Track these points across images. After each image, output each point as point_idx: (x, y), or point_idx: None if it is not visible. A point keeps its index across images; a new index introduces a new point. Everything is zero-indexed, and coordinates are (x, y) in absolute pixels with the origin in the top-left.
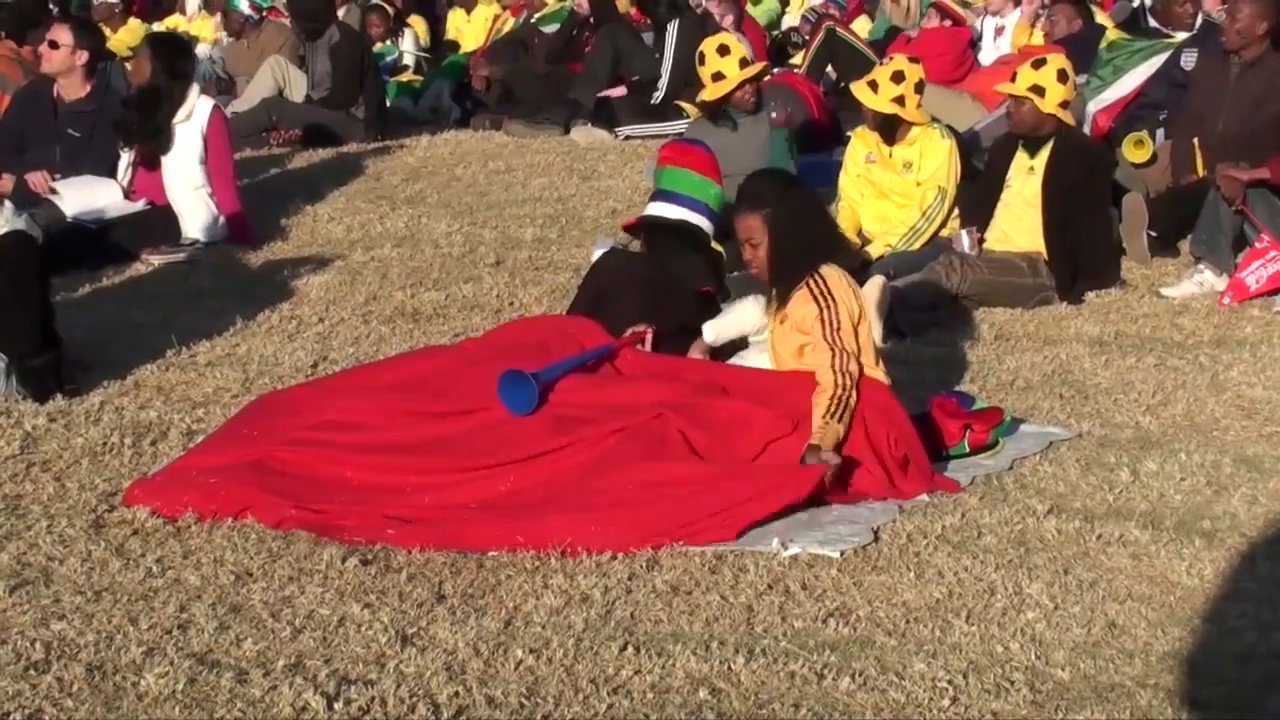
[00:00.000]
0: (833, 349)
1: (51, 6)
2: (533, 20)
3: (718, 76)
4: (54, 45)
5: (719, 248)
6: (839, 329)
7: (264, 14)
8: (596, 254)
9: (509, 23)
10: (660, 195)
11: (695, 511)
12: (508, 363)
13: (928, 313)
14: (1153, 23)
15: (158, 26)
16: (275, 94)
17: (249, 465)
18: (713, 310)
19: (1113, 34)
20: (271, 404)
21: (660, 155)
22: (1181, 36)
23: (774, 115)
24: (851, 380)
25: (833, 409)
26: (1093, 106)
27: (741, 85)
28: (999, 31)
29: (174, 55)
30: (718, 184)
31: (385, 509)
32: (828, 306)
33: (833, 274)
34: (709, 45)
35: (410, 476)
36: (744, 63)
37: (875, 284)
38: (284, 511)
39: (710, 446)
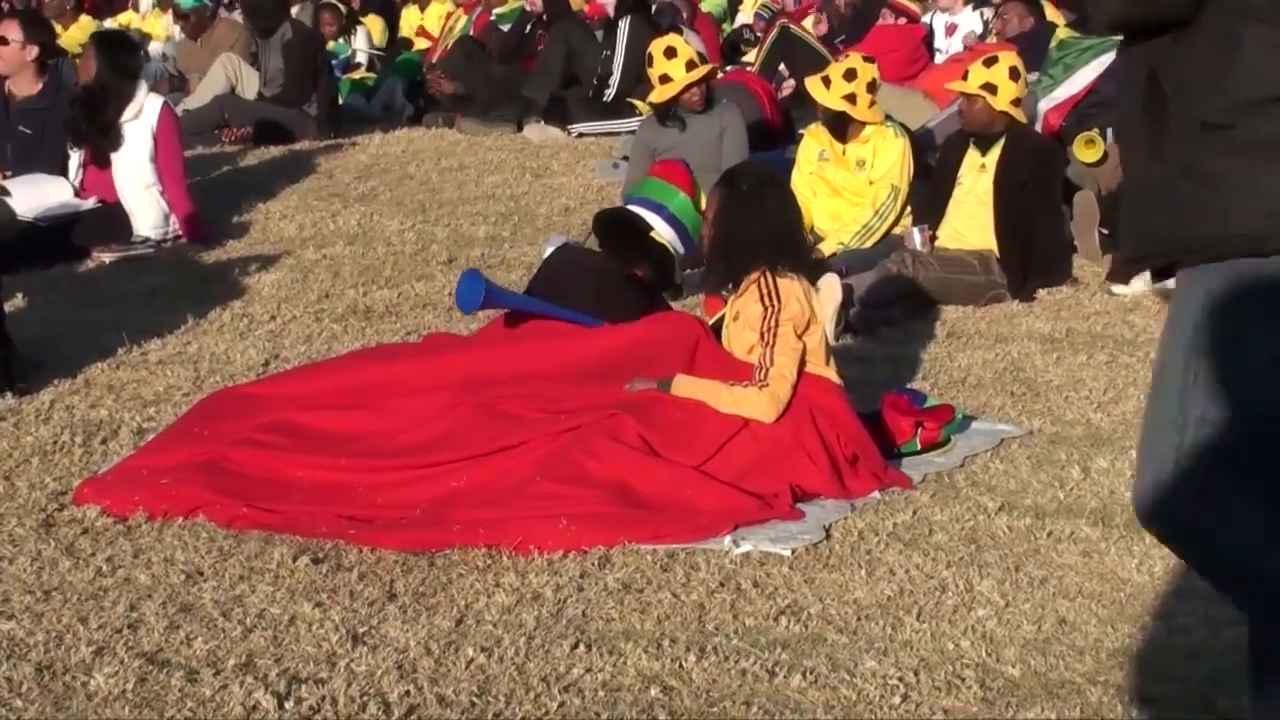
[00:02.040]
0: (761, 351)
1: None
2: (492, 18)
3: (665, 79)
4: (3, 42)
5: (666, 243)
6: (775, 332)
7: (215, 6)
8: (549, 251)
9: (461, 20)
10: (627, 201)
11: (654, 521)
12: (461, 361)
13: (880, 310)
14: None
15: (109, 23)
16: (227, 91)
17: (200, 465)
18: (661, 305)
19: (1063, 32)
20: (223, 403)
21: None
22: None
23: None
24: (769, 389)
25: (728, 394)
26: (1044, 105)
27: (688, 87)
28: (950, 29)
29: (119, 53)
30: (687, 194)
31: (339, 509)
32: (772, 308)
33: (786, 280)
34: (656, 48)
35: (363, 475)
36: (691, 65)
37: (828, 282)
38: (236, 510)
39: (664, 447)
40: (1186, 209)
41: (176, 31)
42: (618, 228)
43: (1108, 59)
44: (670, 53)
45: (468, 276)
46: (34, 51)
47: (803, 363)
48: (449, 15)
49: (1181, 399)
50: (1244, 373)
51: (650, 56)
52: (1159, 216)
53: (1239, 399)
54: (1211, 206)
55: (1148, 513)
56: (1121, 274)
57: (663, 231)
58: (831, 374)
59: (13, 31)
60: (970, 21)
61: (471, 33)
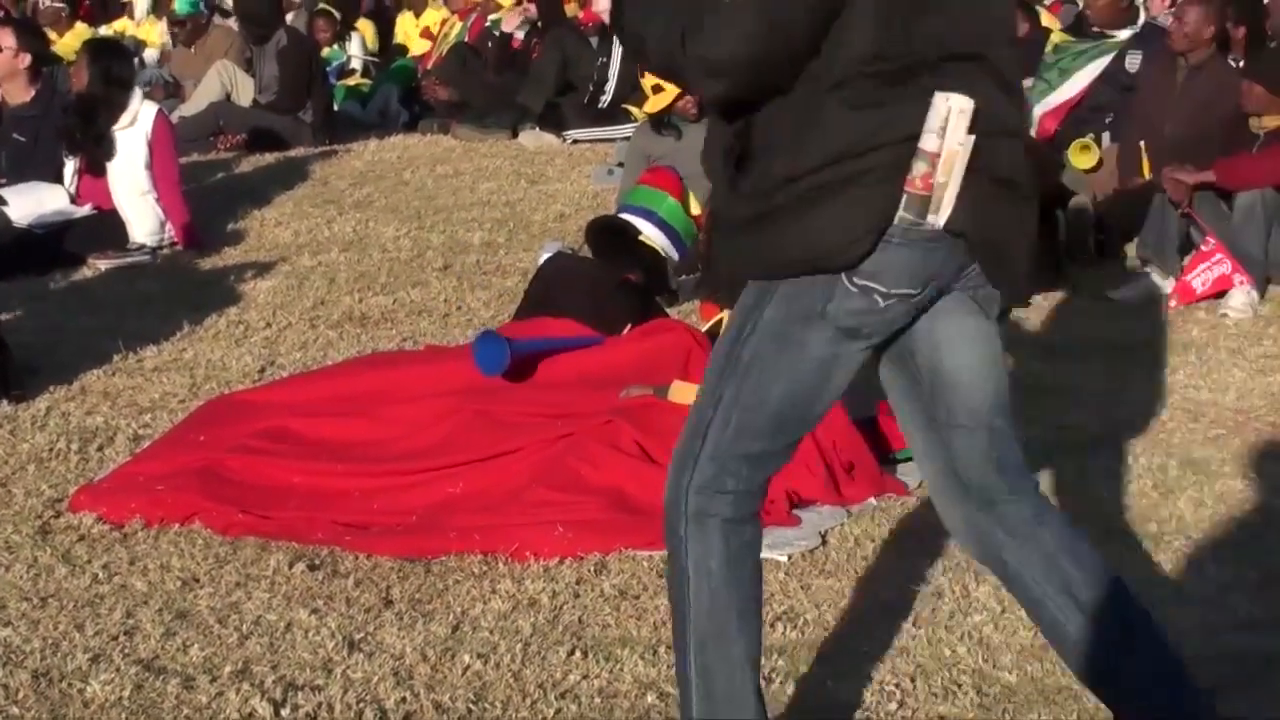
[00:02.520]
0: None
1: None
2: (486, 24)
3: (657, 89)
4: None
5: (659, 248)
6: None
7: (210, 13)
8: (544, 258)
9: (456, 27)
10: (618, 211)
11: (650, 527)
12: (455, 365)
13: None
14: (1094, 28)
15: (104, 30)
16: (222, 98)
17: (196, 472)
18: (655, 308)
19: (1057, 37)
20: (219, 410)
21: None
22: (1123, 35)
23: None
24: None
25: None
26: (1039, 110)
27: (681, 96)
28: None
29: (111, 61)
30: (675, 198)
31: (335, 515)
32: None
33: None
34: None
35: (359, 481)
36: None
37: None
38: (232, 517)
39: (661, 453)
40: (765, 239)
41: (170, 38)
42: (608, 234)
43: (1103, 64)
44: None
45: (486, 341)
46: (26, 59)
47: None
48: (444, 22)
49: (720, 378)
50: (778, 367)
51: (640, 67)
52: (740, 248)
53: (765, 390)
54: (784, 239)
55: (675, 486)
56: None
57: (654, 236)
58: None
59: (6, 39)
60: None
61: (466, 39)
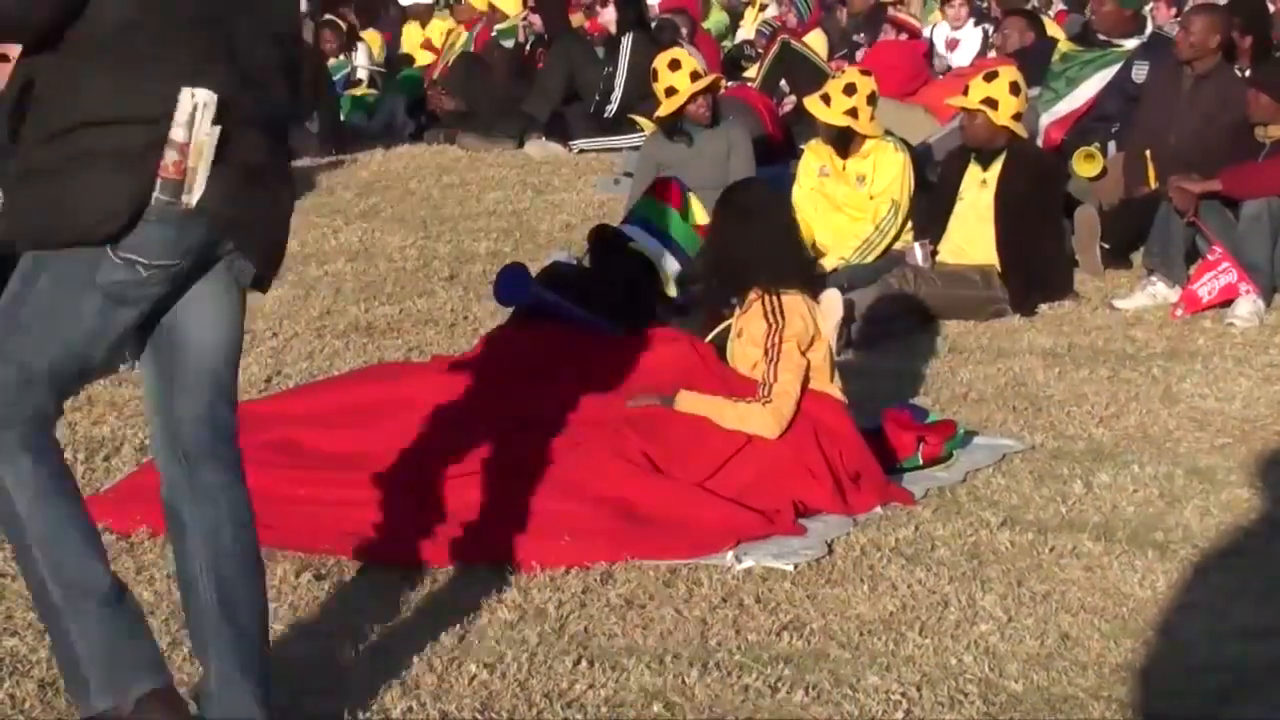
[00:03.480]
0: (766, 368)
1: None
2: (493, 34)
3: (670, 91)
4: (4, 59)
5: (647, 253)
6: (779, 348)
7: None
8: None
9: (462, 37)
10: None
11: (656, 537)
12: (462, 375)
13: (881, 325)
14: (1100, 37)
15: None
16: None
17: None
18: (643, 310)
19: (1064, 46)
20: None
21: None
22: (1130, 44)
23: None
24: (773, 404)
25: (731, 410)
26: (1045, 119)
27: (694, 98)
28: (951, 45)
29: None
30: (669, 206)
31: (341, 525)
32: (776, 324)
33: (789, 297)
34: (660, 61)
35: (365, 491)
36: (695, 76)
37: (829, 298)
38: None
39: (666, 463)
40: (32, 204)
41: None
42: (601, 242)
43: (1110, 72)
44: (674, 65)
45: (511, 273)
46: None
47: (806, 379)
48: (449, 32)
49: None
50: (53, 335)
51: (654, 71)
52: (12, 209)
53: (42, 351)
54: (51, 204)
55: None
56: None
57: (645, 244)
58: (835, 390)
59: (12, 49)
60: (972, 36)
61: (472, 49)
